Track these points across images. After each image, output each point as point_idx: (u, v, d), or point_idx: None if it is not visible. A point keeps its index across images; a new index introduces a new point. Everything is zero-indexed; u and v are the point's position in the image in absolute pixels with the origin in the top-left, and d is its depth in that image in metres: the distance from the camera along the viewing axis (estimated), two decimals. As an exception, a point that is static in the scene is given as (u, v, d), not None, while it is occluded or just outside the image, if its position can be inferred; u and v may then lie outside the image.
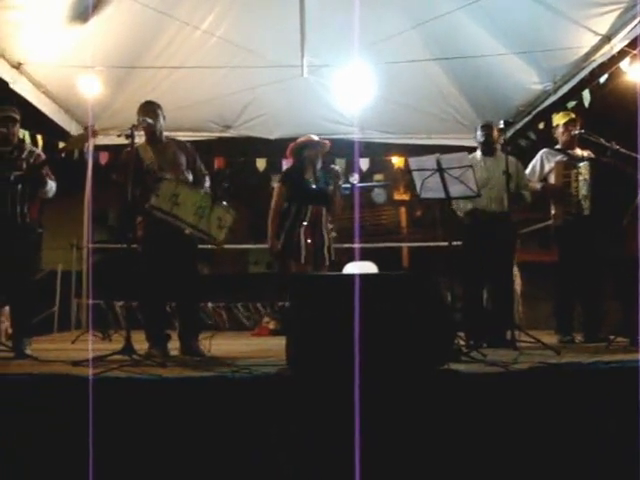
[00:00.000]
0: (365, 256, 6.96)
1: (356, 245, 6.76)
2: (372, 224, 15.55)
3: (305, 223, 5.30)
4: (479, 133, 5.39)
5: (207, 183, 4.85)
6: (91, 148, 7.68)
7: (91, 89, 6.50)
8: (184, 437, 3.05)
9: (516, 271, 7.50)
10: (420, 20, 5.87)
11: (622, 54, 5.48)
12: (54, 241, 4.91)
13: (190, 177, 4.73)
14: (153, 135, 4.69)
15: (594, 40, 5.61)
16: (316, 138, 5.58)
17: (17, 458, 3.02)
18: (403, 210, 15.74)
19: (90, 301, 7.66)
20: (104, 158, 7.82)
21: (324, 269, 5.28)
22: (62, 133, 7.30)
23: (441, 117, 7.42)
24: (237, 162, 8.24)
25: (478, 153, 5.37)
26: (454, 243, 4.86)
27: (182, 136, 6.98)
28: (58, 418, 3.06)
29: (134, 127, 4.35)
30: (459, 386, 3.20)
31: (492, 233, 5.02)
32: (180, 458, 3.03)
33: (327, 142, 5.62)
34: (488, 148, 5.33)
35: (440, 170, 4.35)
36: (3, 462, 3.00)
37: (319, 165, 5.51)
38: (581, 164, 5.21)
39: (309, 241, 5.28)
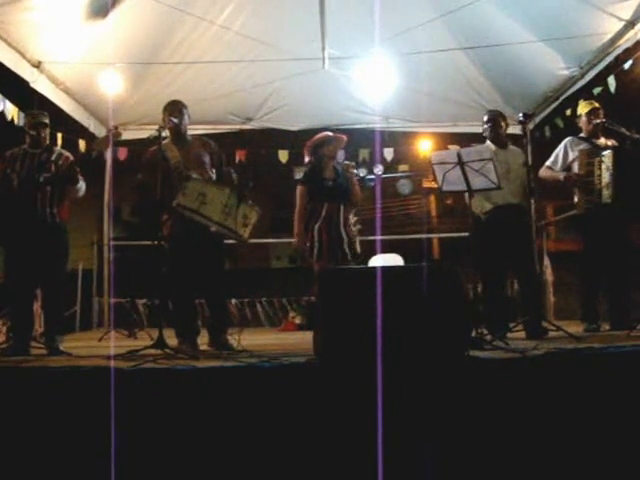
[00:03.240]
0: (394, 248, 7.19)
1: (378, 237, 7.10)
2: (400, 214, 15.84)
3: (319, 221, 5.64)
4: (486, 126, 5.72)
5: (234, 178, 5.22)
6: (110, 148, 8.05)
7: (110, 86, 6.89)
8: (219, 425, 3.43)
9: (547, 261, 7.88)
10: (445, 10, 6.20)
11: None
12: (73, 239, 5.31)
13: (214, 175, 5.13)
14: (178, 134, 5.07)
15: (619, 26, 5.92)
16: (331, 134, 5.90)
17: (62, 447, 3.45)
18: (433, 199, 16.00)
19: (112, 299, 8.12)
20: (122, 154, 8.23)
21: (347, 264, 5.56)
22: (81, 130, 7.78)
23: (467, 105, 7.71)
24: (259, 154, 8.63)
25: (490, 145, 5.67)
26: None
27: (202, 129, 7.49)
28: (99, 409, 3.38)
29: (161, 127, 4.78)
30: (478, 372, 3.62)
31: (510, 225, 5.40)
32: (215, 445, 3.42)
33: (343, 136, 5.91)
34: (497, 140, 5.67)
35: (461, 163, 4.75)
36: (52, 450, 3.45)
37: (340, 159, 5.88)
38: (604, 152, 5.53)
39: (324, 238, 5.61)
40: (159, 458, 3.41)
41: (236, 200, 4.64)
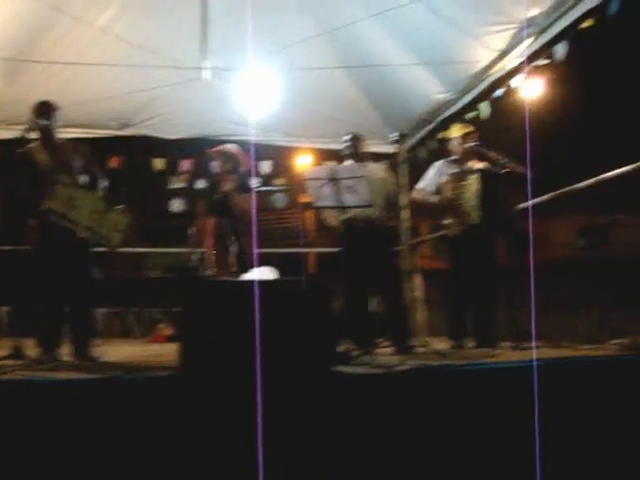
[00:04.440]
0: (272, 261, 7.28)
1: (256, 250, 7.08)
2: (278, 228, 15.90)
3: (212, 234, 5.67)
4: (347, 144, 5.96)
5: (103, 185, 5.14)
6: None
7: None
8: (77, 437, 3.35)
9: (419, 279, 8.10)
10: (328, 27, 6.31)
11: (517, 70, 6.08)
12: None
13: (85, 180, 5.02)
14: (47, 136, 4.95)
15: (493, 55, 6.17)
16: (234, 149, 6.02)
17: None
18: (310, 213, 16.12)
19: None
20: (-12, 152, 7.93)
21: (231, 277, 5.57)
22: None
23: (347, 122, 7.72)
24: (134, 162, 8.50)
25: (350, 162, 5.88)
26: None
27: (77, 133, 7.29)
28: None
29: (28, 129, 4.64)
30: (342, 386, 3.68)
31: (368, 240, 5.56)
32: (74, 458, 3.36)
33: (242, 154, 6.04)
34: (357, 158, 5.88)
35: (334, 180, 4.84)
36: None
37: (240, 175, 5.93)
38: (472, 176, 5.78)
39: (214, 253, 5.66)
40: (16, 473, 3.28)
41: (105, 205, 4.57)
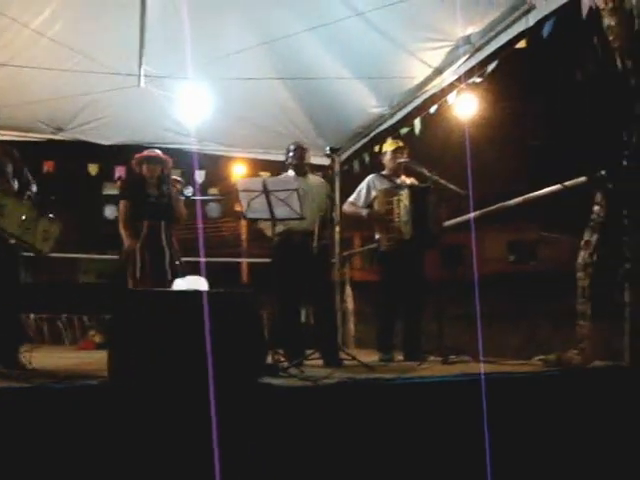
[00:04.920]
0: (206, 270, 7.24)
1: (190, 259, 7.08)
2: (211, 237, 15.88)
3: (140, 238, 5.66)
4: (291, 154, 6.01)
5: (34, 190, 5.02)
6: None
7: None
8: (4, 447, 3.30)
9: (349, 290, 8.20)
10: (267, 38, 6.34)
11: (451, 87, 6.24)
12: None
13: (16, 185, 4.91)
14: (-23, 140, 4.89)
15: (428, 71, 6.34)
16: (156, 153, 6.00)
17: None
18: (245, 223, 16.13)
19: None
20: None
21: (166, 284, 5.47)
22: None
23: (281, 133, 7.82)
24: (68, 166, 8.39)
25: (291, 173, 5.96)
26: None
27: (9, 136, 7.19)
28: None
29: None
30: (269, 399, 3.72)
31: (303, 253, 5.60)
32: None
33: (167, 157, 6.06)
34: (300, 169, 5.96)
35: (266, 192, 4.89)
36: None
37: (165, 179, 5.92)
38: (402, 191, 5.88)
39: (145, 257, 5.63)
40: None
41: (36, 213, 4.52)
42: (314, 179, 6.05)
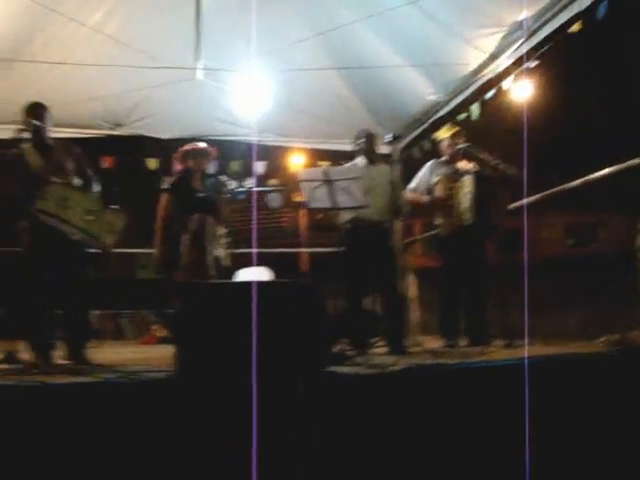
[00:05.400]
0: (265, 261, 7.27)
1: (249, 250, 7.06)
2: (271, 228, 15.90)
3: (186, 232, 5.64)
4: (361, 142, 5.92)
5: (97, 187, 5.09)
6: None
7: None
8: (71, 442, 3.33)
9: (411, 278, 8.10)
10: (321, 29, 6.34)
11: (506, 72, 6.14)
12: None
13: (78, 181, 4.97)
14: (39, 138, 4.90)
15: (483, 57, 6.23)
16: (201, 145, 5.96)
17: None
18: (304, 213, 16.08)
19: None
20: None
21: (209, 278, 5.52)
22: None
23: (339, 123, 7.81)
24: (127, 162, 8.46)
25: (361, 161, 5.89)
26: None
27: (69, 133, 7.25)
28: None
29: (21, 130, 4.60)
30: (337, 387, 3.67)
31: (372, 241, 5.55)
32: (65, 463, 3.34)
33: (213, 149, 6.02)
34: (371, 156, 5.87)
35: (328, 181, 4.82)
36: None
37: (210, 171, 5.89)
38: (464, 177, 5.80)
39: (189, 250, 5.60)
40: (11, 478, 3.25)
41: (100, 205, 4.53)
42: (384, 168, 5.93)
